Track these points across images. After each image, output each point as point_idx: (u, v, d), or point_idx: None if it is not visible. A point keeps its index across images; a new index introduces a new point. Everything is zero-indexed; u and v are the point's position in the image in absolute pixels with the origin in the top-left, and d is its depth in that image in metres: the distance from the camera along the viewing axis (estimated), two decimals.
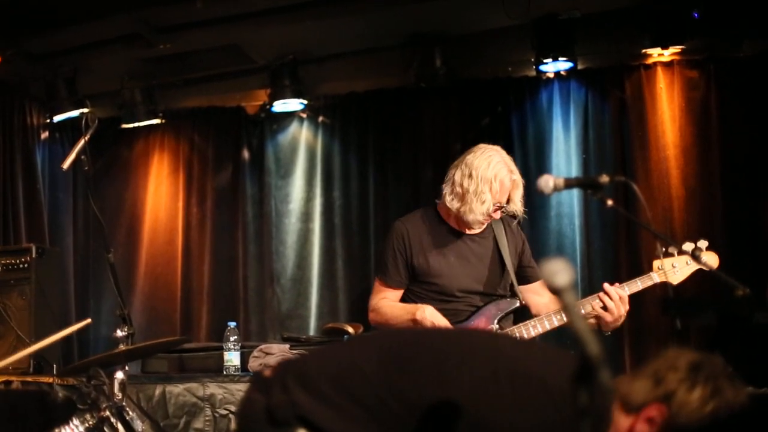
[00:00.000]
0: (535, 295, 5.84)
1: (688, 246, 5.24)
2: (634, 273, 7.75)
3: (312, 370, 3.07)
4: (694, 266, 5.43)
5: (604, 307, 5.41)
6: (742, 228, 7.98)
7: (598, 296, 5.44)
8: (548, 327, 5.54)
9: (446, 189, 5.70)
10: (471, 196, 5.58)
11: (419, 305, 5.54)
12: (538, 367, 2.93)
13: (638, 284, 5.50)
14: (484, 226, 5.80)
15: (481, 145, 5.80)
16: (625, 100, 8.52)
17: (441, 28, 8.41)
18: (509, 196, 5.71)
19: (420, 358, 3.00)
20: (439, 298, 5.67)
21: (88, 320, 5.80)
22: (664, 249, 5.16)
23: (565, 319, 5.44)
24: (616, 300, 5.39)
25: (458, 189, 5.60)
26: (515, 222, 5.92)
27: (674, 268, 5.44)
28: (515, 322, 5.75)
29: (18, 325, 7.24)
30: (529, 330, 5.56)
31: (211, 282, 9.74)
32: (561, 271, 2.28)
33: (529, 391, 2.83)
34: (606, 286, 5.46)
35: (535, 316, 5.70)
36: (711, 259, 5.38)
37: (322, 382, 2.98)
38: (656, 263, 5.49)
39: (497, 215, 5.76)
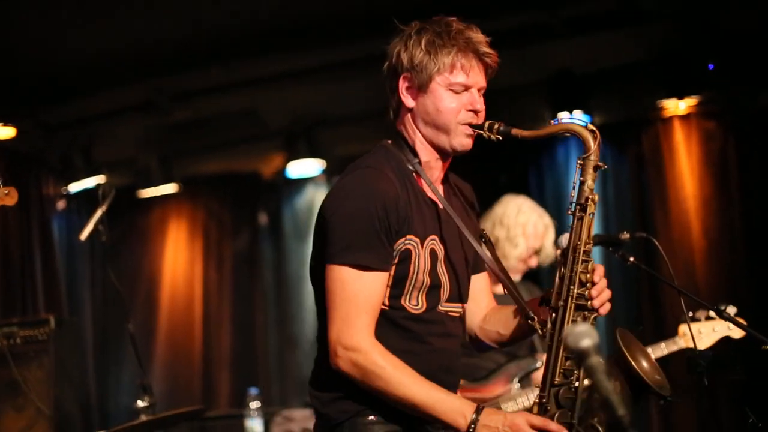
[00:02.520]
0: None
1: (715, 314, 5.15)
2: (658, 329, 7.72)
3: None
4: (721, 333, 5.28)
5: None
6: (766, 278, 7.88)
7: None
8: None
9: None
10: (503, 243, 5.56)
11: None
12: None
13: (662, 348, 5.38)
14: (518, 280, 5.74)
15: (507, 195, 5.80)
16: (643, 154, 8.47)
17: None
18: (540, 242, 5.71)
19: None
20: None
21: None
22: (690, 314, 5.05)
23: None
24: None
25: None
26: (537, 289, 5.89)
27: (700, 334, 5.31)
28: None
29: (37, 397, 7.17)
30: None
31: (231, 348, 9.70)
32: (585, 334, 2.23)
33: None
34: None
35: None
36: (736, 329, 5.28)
37: None
38: (682, 328, 5.37)
39: (533, 262, 5.72)
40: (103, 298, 9.82)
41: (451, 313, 3.45)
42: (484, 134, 3.34)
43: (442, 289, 3.39)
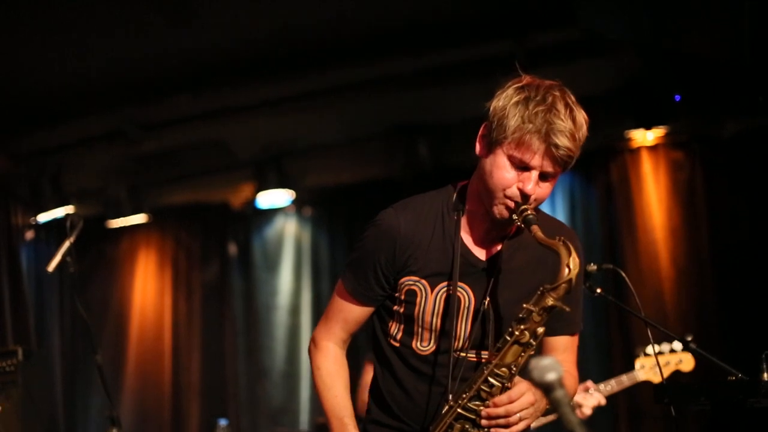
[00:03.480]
0: None
1: (666, 347, 5.27)
2: (626, 356, 7.75)
3: None
4: (672, 366, 5.44)
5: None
6: (734, 307, 7.92)
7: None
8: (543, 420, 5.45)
9: None
10: None
11: None
12: None
13: (624, 381, 5.46)
14: None
15: None
16: (612, 184, 8.51)
17: (424, 117, 8.43)
18: None
19: None
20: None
21: None
22: (644, 350, 5.14)
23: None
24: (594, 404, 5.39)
25: None
26: None
27: (655, 367, 5.41)
28: None
29: (5, 430, 7.12)
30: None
31: (200, 378, 9.66)
32: (550, 367, 2.24)
33: None
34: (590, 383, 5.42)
35: None
36: (686, 360, 5.44)
37: None
38: (638, 362, 5.48)
39: None
40: (71, 329, 9.77)
41: (471, 359, 3.39)
42: (513, 216, 3.22)
43: (455, 337, 3.36)
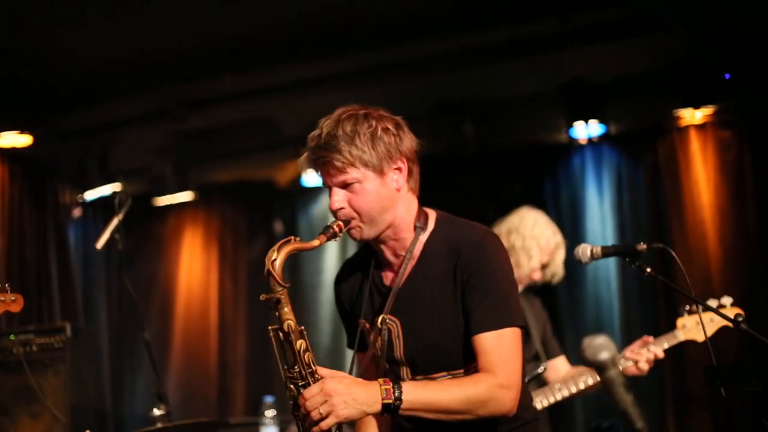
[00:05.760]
0: (551, 370, 5.73)
1: (711, 302, 5.14)
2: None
3: None
4: (718, 323, 5.25)
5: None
6: None
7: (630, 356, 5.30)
8: (574, 390, 5.41)
9: None
10: (518, 251, 5.57)
11: None
12: None
13: (664, 344, 5.39)
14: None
15: (524, 208, 5.82)
16: (659, 163, 8.45)
17: (470, 95, 8.41)
18: (549, 258, 5.71)
19: None
20: None
21: None
22: (687, 307, 5.07)
23: (589, 383, 5.33)
24: (651, 362, 5.31)
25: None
26: (538, 300, 5.90)
27: (698, 326, 5.30)
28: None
29: (53, 405, 7.17)
30: (555, 393, 5.44)
31: (246, 356, 9.71)
32: (604, 346, 2.25)
33: None
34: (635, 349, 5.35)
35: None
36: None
37: None
38: (680, 321, 5.39)
39: (537, 276, 5.72)
40: (118, 306, 9.84)
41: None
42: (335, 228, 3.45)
43: (401, 365, 3.50)
